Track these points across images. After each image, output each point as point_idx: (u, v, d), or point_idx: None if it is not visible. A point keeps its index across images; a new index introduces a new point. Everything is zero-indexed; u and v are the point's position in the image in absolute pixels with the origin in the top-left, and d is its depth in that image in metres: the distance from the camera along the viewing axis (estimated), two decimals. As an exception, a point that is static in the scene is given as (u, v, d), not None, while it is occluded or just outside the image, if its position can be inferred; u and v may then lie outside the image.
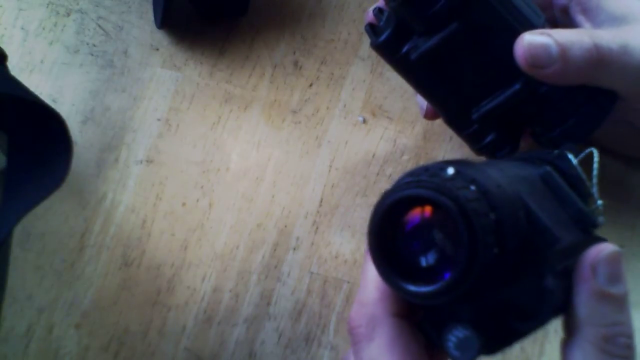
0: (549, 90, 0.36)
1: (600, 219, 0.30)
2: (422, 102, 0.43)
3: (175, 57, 0.48)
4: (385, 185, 0.46)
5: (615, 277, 0.26)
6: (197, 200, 0.44)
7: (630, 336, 0.26)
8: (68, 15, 0.48)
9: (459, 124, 0.40)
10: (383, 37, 0.37)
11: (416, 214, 0.24)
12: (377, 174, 0.46)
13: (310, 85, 0.48)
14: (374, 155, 0.46)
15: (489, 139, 0.39)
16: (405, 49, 0.37)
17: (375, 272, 0.25)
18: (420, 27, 0.36)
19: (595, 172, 0.31)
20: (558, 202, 0.29)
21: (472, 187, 0.23)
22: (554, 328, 0.39)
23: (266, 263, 0.44)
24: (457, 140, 0.44)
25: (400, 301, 0.28)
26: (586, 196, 0.30)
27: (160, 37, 0.48)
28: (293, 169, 0.46)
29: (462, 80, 0.38)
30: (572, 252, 0.27)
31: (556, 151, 0.31)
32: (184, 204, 0.44)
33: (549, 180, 0.29)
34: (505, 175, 0.26)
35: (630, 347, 0.26)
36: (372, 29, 0.39)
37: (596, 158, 0.32)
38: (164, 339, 0.42)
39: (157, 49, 0.48)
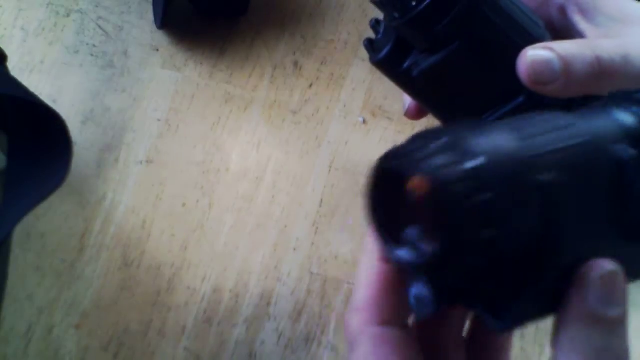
0: (552, 101, 0.36)
1: None
2: (406, 100, 0.42)
3: (175, 58, 0.48)
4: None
5: (610, 299, 0.23)
6: (197, 201, 0.44)
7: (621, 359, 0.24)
8: (68, 15, 0.48)
9: None
10: (382, 53, 0.36)
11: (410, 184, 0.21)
12: (377, 174, 0.46)
13: (310, 85, 0.48)
14: (374, 156, 0.46)
15: None
16: (406, 64, 0.36)
17: (365, 275, 0.24)
18: (422, 45, 0.36)
19: None
20: (612, 197, 0.24)
21: (488, 194, 0.19)
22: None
23: (266, 263, 0.44)
24: (457, 140, 0.44)
25: (390, 307, 0.26)
26: None
27: (160, 38, 0.48)
28: (293, 170, 0.46)
29: (465, 93, 0.38)
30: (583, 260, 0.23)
31: None
32: (184, 205, 0.44)
33: (622, 172, 0.23)
34: (551, 155, 0.21)
35: None
36: (371, 44, 0.38)
37: None
38: (164, 339, 0.42)
39: (157, 50, 0.48)
